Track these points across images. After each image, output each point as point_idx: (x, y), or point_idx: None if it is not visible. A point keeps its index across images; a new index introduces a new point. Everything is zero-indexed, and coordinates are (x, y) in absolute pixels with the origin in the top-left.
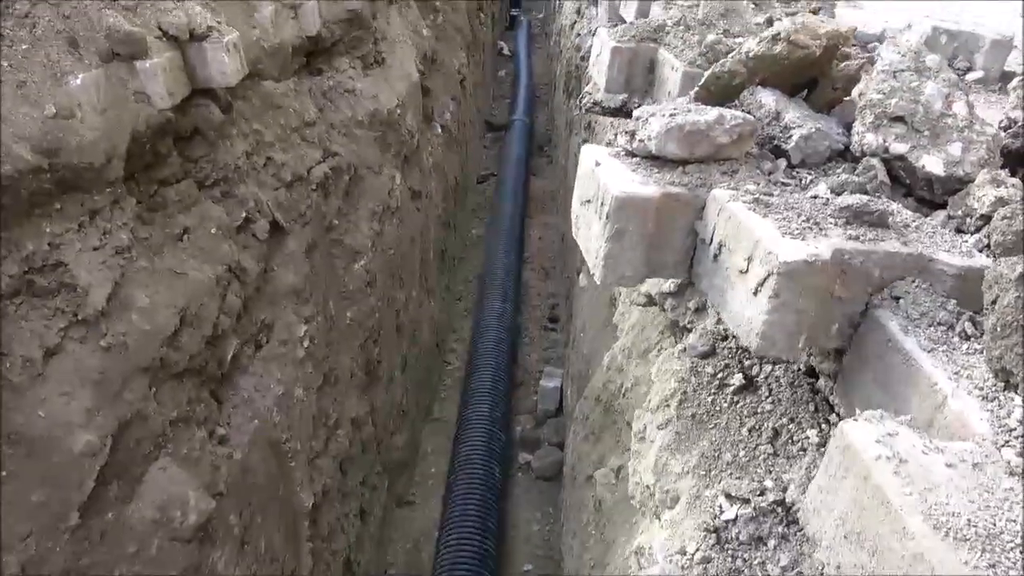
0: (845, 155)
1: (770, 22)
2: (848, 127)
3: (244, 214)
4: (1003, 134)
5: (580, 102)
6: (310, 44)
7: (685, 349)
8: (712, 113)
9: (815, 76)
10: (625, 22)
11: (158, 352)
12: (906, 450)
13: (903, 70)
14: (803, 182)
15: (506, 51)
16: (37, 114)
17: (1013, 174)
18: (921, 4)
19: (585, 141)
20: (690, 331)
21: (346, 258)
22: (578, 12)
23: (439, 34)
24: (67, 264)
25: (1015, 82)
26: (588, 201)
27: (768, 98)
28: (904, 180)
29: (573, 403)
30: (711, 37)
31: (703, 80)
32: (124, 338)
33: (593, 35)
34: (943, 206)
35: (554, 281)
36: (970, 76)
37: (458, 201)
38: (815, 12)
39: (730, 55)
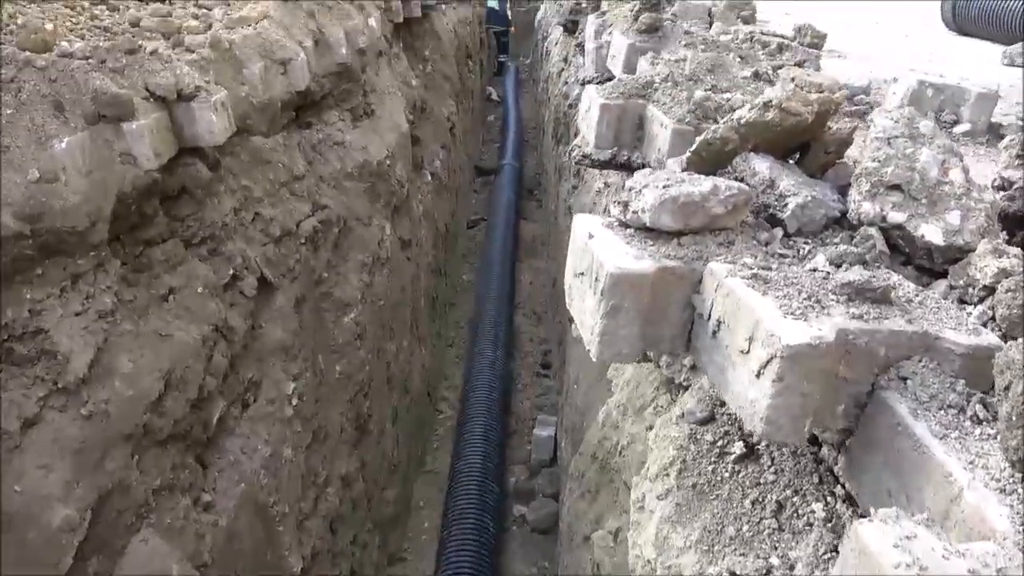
0: (841, 222)
1: (756, 75)
2: (842, 191)
3: (232, 271)
4: (998, 196)
5: (570, 154)
6: (300, 98)
7: (683, 414)
8: (706, 184)
9: (807, 140)
10: (611, 73)
11: (141, 419)
12: (926, 555)
13: (897, 136)
14: (801, 252)
15: (495, 96)
16: (20, 179)
17: (1011, 236)
18: (898, 54)
19: (574, 188)
20: (686, 388)
21: (335, 311)
22: (565, 60)
23: (428, 83)
24: (48, 331)
25: (1006, 141)
26: (582, 274)
27: (761, 165)
28: (903, 249)
29: (568, 455)
30: (699, 93)
31: (695, 146)
32: (106, 406)
33: (582, 85)
34: (944, 275)
35: (546, 326)
36: (958, 129)
37: (448, 247)
38: (800, 65)
39: (722, 122)
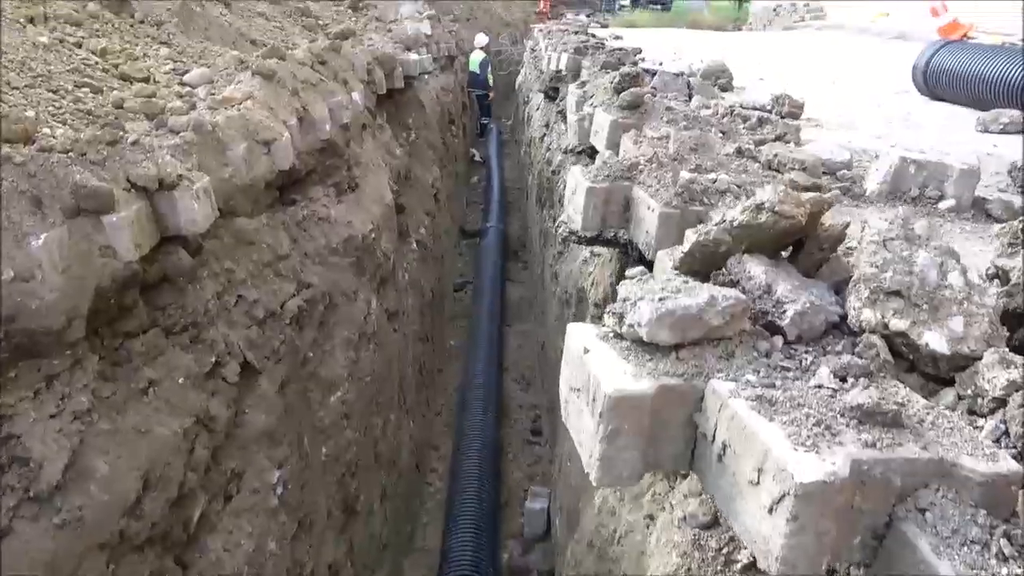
0: (841, 326)
1: (739, 152)
2: (838, 287)
3: (214, 358)
4: (995, 288)
5: (556, 229)
6: (284, 177)
7: (685, 518)
8: (703, 295)
9: (800, 237)
10: (594, 147)
11: (117, 524)
12: None
13: (893, 238)
14: (803, 363)
15: (478, 158)
16: None
17: (1012, 332)
18: (874, 121)
19: (560, 254)
20: (684, 476)
21: (321, 391)
22: (547, 126)
23: (412, 151)
24: (20, 437)
25: (998, 228)
26: (578, 390)
27: (757, 269)
28: (907, 356)
29: (563, 535)
30: (685, 176)
31: (688, 247)
32: (80, 512)
33: (564, 153)
34: (950, 382)
35: (535, 390)
36: (942, 205)
37: (435, 313)
38: (780, 139)
39: (714, 224)
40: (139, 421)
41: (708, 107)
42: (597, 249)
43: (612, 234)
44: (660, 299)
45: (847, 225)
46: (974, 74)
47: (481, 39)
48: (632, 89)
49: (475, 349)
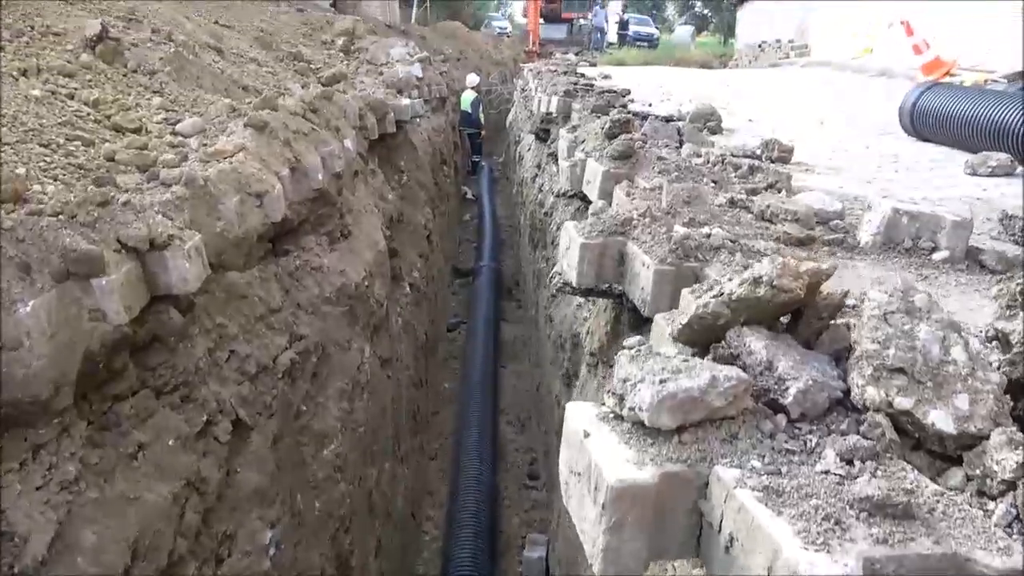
0: (844, 402)
1: (732, 203)
2: (838, 357)
3: (205, 417)
4: (995, 355)
5: (550, 280)
6: (276, 228)
7: None
8: (704, 375)
9: (799, 307)
10: (587, 196)
11: None
12: None
13: (893, 312)
14: (808, 445)
15: (470, 195)
16: None
17: (1016, 401)
18: (864, 164)
19: (553, 297)
20: None
21: (314, 445)
22: (538, 166)
23: (404, 193)
24: (4, 511)
25: (995, 290)
26: (579, 474)
27: (757, 344)
28: (913, 433)
29: None
30: (679, 230)
31: (687, 319)
32: None
33: (557, 197)
34: (958, 460)
35: (530, 433)
36: (936, 256)
37: (429, 356)
38: (772, 187)
39: (711, 295)
40: (128, 488)
41: (699, 155)
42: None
43: (607, 285)
44: (661, 381)
45: (846, 294)
46: (960, 116)
47: (472, 79)
48: (623, 137)
49: (469, 391)
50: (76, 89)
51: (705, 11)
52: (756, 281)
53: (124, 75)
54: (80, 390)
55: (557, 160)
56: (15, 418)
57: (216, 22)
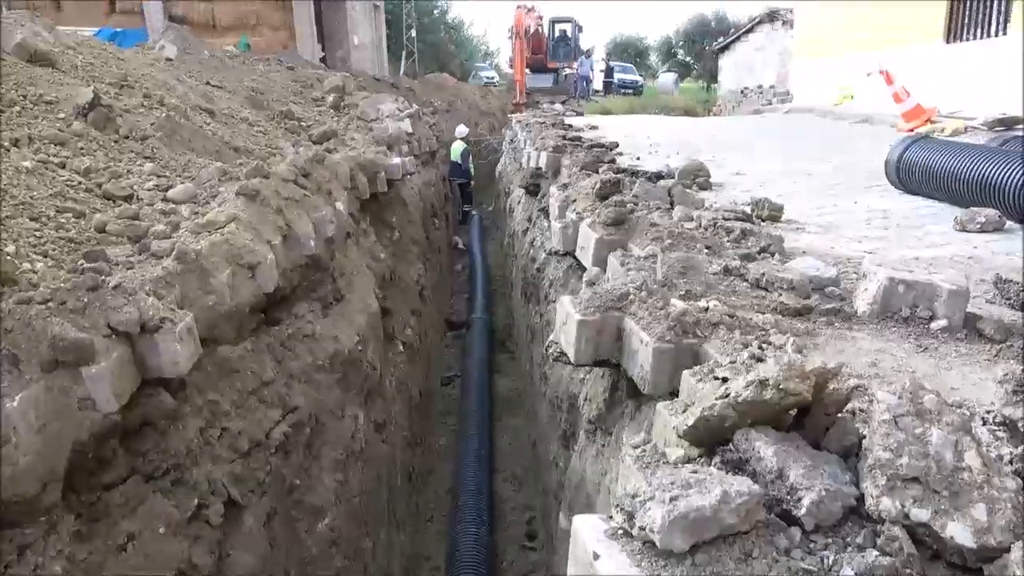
0: (859, 509)
1: (727, 271)
2: (847, 454)
3: (196, 500)
4: (1007, 448)
5: (547, 350)
6: (268, 298)
7: None
8: (715, 491)
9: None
10: (582, 262)
11: None
12: None
13: (903, 414)
14: (825, 563)
15: (461, 245)
16: None
17: None
18: (856, 222)
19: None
20: None
21: (308, 520)
22: (529, 219)
23: (396, 250)
24: None
25: (1001, 375)
26: None
27: (767, 451)
28: (931, 545)
29: None
30: (677, 305)
31: (692, 421)
32: None
33: (549, 255)
34: (978, 571)
35: (528, 489)
36: (934, 325)
37: (423, 414)
38: (765, 250)
39: (717, 397)
40: None
41: (691, 219)
42: None
43: (604, 358)
44: (672, 499)
45: (852, 388)
46: (946, 171)
47: (461, 130)
48: (615, 199)
49: (465, 449)
50: (68, 158)
51: (687, 58)
52: (763, 384)
53: (116, 141)
54: (68, 482)
55: (548, 215)
56: (1, 519)
57: (208, 83)
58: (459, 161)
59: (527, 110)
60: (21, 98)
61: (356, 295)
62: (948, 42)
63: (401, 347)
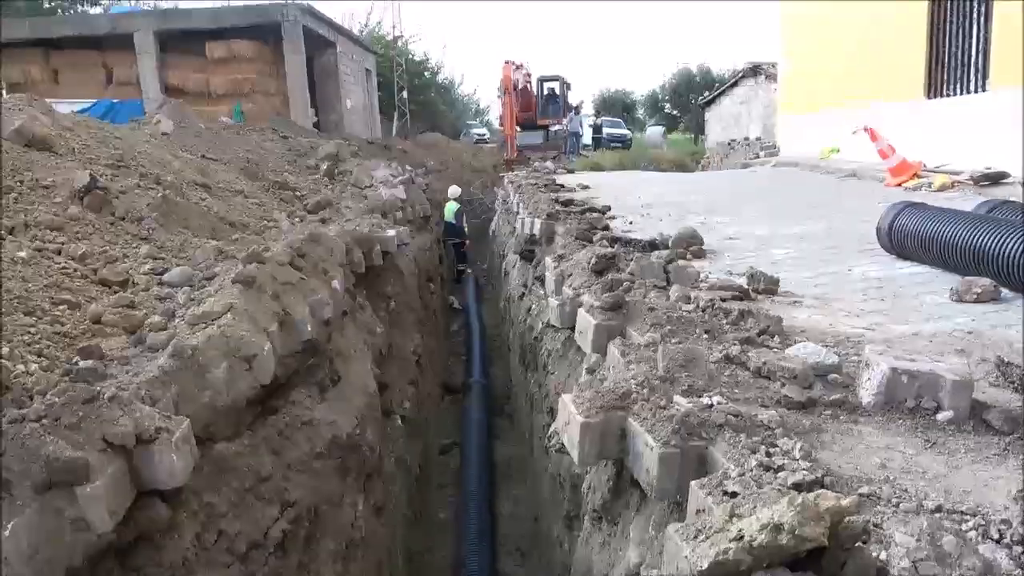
0: None
1: (728, 359)
2: None
3: None
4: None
5: (547, 441)
6: (265, 389)
7: None
8: None
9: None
10: (578, 343)
11: None
12: None
13: (923, 559)
14: None
15: (456, 304)
16: None
17: None
18: (851, 294)
19: (547, 425)
20: None
21: None
22: (525, 285)
23: (393, 320)
24: None
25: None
26: None
27: None
28: None
29: None
30: (681, 403)
31: (707, 565)
32: None
33: (545, 326)
34: None
35: (531, 564)
36: (940, 416)
37: (422, 487)
38: (764, 332)
39: (732, 540)
40: None
41: (689, 299)
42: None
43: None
44: None
45: (867, 523)
46: (938, 239)
47: (454, 190)
48: (611, 278)
49: (465, 522)
50: (64, 243)
51: (674, 111)
52: (778, 528)
53: (112, 223)
54: None
55: (543, 284)
56: None
57: (203, 155)
58: (453, 221)
59: (519, 167)
60: (18, 183)
61: (353, 375)
62: (929, 97)
63: (399, 421)
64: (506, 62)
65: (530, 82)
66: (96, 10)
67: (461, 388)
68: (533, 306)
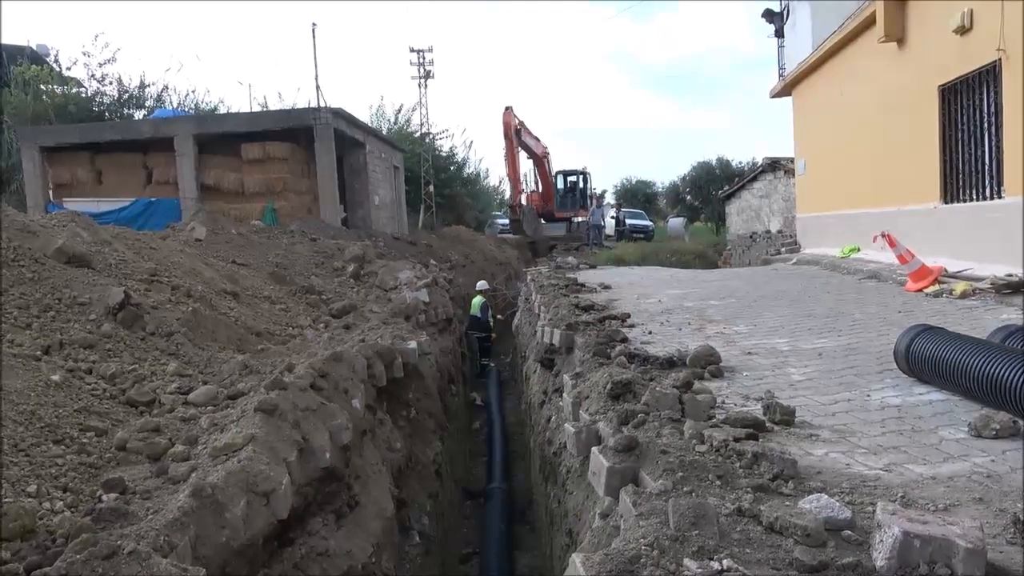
0: None
1: (740, 512)
2: None
3: None
4: None
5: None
6: (282, 525)
7: None
8: None
9: None
10: (592, 483)
11: None
12: None
13: None
14: None
15: (478, 401)
16: None
17: None
18: (868, 424)
19: (567, 546)
20: None
21: None
22: (545, 393)
23: (413, 429)
24: None
25: None
26: None
27: None
28: None
29: None
30: (692, 571)
31: None
32: None
33: (563, 448)
34: None
35: None
36: None
37: None
38: (778, 476)
39: None
40: None
41: (702, 439)
42: None
43: None
44: None
45: None
46: (955, 367)
47: (481, 284)
48: (626, 410)
49: None
50: (95, 362)
51: (695, 203)
52: None
53: (143, 339)
54: None
55: (562, 395)
56: None
57: (233, 261)
58: (479, 315)
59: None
60: (56, 302)
61: (371, 499)
62: (946, 202)
63: (417, 538)
64: (506, 109)
65: (550, 171)
66: (139, 113)
67: (481, 493)
68: (553, 417)
